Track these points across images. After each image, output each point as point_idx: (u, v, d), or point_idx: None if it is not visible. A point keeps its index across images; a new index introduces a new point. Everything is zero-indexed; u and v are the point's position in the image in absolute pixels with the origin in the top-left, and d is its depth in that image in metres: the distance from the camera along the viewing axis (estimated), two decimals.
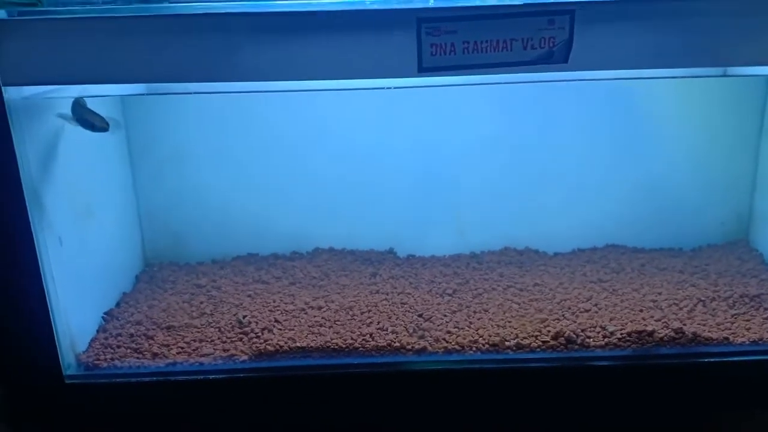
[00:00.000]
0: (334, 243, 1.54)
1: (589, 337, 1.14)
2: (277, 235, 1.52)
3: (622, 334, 1.13)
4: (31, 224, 1.03)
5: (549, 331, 1.15)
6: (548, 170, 1.48)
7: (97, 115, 1.10)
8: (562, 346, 1.13)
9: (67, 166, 1.15)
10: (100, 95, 1.06)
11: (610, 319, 1.18)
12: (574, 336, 1.13)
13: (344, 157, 1.47)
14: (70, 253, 1.14)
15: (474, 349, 1.13)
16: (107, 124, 1.11)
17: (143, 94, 1.27)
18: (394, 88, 1.03)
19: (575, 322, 1.18)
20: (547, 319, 1.19)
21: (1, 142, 0.98)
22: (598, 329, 1.15)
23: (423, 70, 0.97)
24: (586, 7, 0.92)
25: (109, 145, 1.37)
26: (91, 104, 1.13)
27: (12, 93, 0.97)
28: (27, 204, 1.02)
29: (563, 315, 1.21)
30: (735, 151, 1.45)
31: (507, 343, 1.13)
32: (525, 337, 1.14)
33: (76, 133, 1.14)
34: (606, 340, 1.13)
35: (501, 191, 1.49)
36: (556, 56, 0.97)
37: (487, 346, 1.13)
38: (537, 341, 1.13)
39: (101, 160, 1.34)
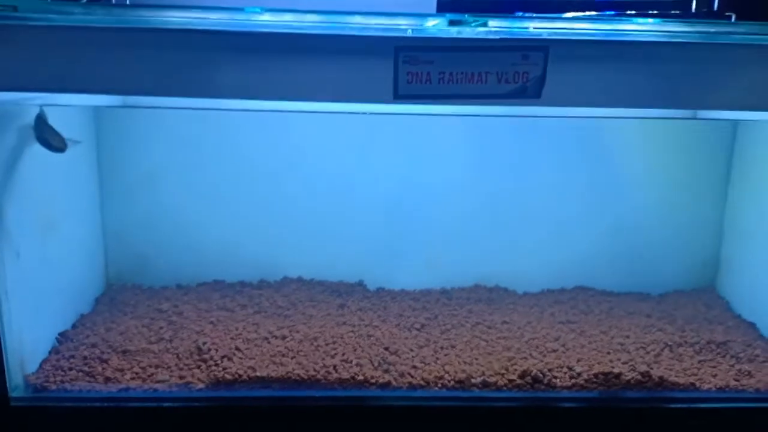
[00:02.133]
0: (303, 273, 1.52)
1: (555, 377, 1.12)
2: (246, 262, 1.49)
3: (588, 375, 1.12)
4: None
5: (516, 370, 1.13)
6: (521, 209, 1.49)
7: (57, 134, 1.08)
8: (528, 386, 1.11)
9: (32, 177, 1.12)
10: (70, 104, 1.04)
11: (578, 360, 1.17)
12: (541, 375, 1.11)
13: (316, 186, 1.46)
14: (28, 269, 1.10)
15: (440, 385, 1.11)
16: (65, 144, 1.08)
17: (117, 107, 1.25)
18: (369, 113, 1.03)
19: (542, 361, 1.17)
20: (514, 358, 1.18)
21: None
22: (565, 369, 1.14)
23: (398, 97, 0.97)
24: (560, 45, 0.93)
25: (78, 160, 1.34)
26: (62, 117, 1.10)
27: None
28: None
29: (530, 354, 1.19)
30: (702, 198, 1.48)
31: (473, 381, 1.11)
32: (491, 375, 1.12)
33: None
34: (573, 381, 1.12)
35: (473, 228, 1.49)
36: (529, 91, 0.98)
37: (453, 382, 1.11)
38: (503, 379, 1.11)
39: (69, 175, 1.30)
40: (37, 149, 1.12)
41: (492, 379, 1.11)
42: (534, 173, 1.47)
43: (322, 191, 1.46)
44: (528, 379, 1.11)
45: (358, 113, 1.04)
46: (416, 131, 1.41)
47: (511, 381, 1.11)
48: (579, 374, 1.12)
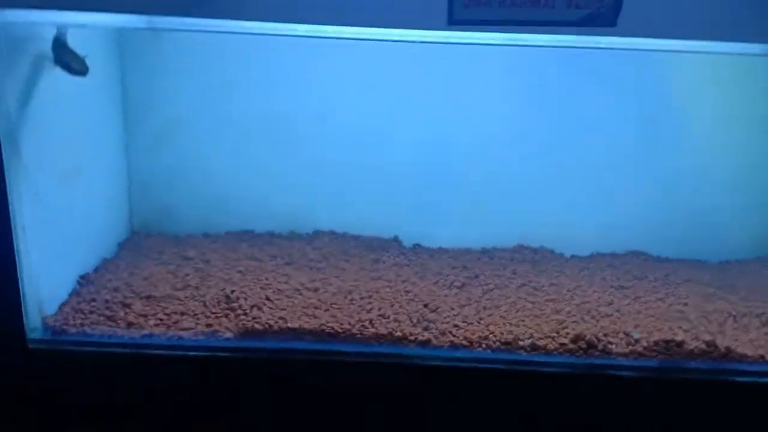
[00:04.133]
0: (335, 226, 1.43)
1: (611, 343, 1.03)
2: (276, 214, 1.41)
3: (648, 342, 1.03)
4: (5, 172, 0.92)
5: (567, 334, 1.04)
6: (569, 165, 1.37)
7: (77, 55, 1.00)
8: (581, 351, 1.02)
9: (52, 113, 1.04)
10: (90, 24, 0.96)
11: (635, 326, 1.08)
12: (595, 340, 1.02)
13: (352, 137, 1.36)
14: (47, 209, 1.03)
15: (484, 345, 1.02)
16: (86, 67, 1.00)
17: (139, 29, 1.16)
18: (417, 42, 0.92)
19: (596, 326, 1.08)
20: (565, 321, 1.08)
21: None
22: (621, 335, 1.05)
23: (453, 22, 0.87)
24: None
25: (102, 98, 1.26)
26: (86, 51, 1.02)
27: None
28: (3, 151, 0.91)
29: (582, 318, 1.10)
30: None
31: (521, 343, 1.02)
32: (541, 338, 1.03)
33: (66, 78, 1.04)
34: (630, 347, 1.02)
35: (517, 184, 1.38)
36: (603, 17, 0.87)
37: (498, 343, 1.02)
38: (554, 343, 1.02)
39: (93, 115, 1.23)
40: (59, 85, 1.04)
41: (541, 342, 1.02)
42: (585, 121, 1.34)
43: (356, 141, 1.37)
44: (581, 343, 1.02)
45: (402, 41, 0.94)
46: (458, 71, 1.29)
47: (562, 345, 1.02)
48: (637, 341, 1.03)
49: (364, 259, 1.31)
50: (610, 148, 1.36)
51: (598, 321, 1.09)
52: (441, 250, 1.38)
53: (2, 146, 0.92)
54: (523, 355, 1.01)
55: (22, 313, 0.97)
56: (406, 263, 1.30)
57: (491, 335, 1.04)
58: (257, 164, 1.38)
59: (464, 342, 1.02)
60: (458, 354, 1.01)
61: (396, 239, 1.41)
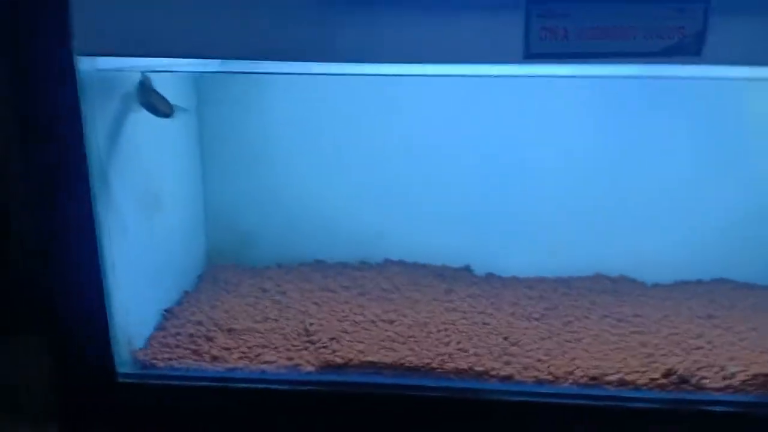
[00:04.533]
0: (404, 255, 1.43)
1: (705, 378, 0.98)
2: (346, 243, 1.42)
3: (745, 375, 0.97)
4: (95, 208, 0.96)
5: (657, 368, 1.00)
6: (647, 188, 1.33)
7: (162, 98, 1.04)
8: (673, 386, 0.97)
9: (137, 149, 1.09)
10: (169, 70, 0.99)
11: (730, 359, 1.02)
12: (688, 375, 0.98)
13: (421, 165, 1.36)
14: (134, 244, 1.07)
15: (570, 381, 0.99)
16: (171, 109, 1.04)
17: (228, 72, 1.20)
18: (495, 76, 0.92)
19: (687, 359, 1.03)
20: (653, 354, 1.04)
21: (71, 116, 0.91)
22: (715, 369, 1.00)
23: (530, 56, 0.86)
24: None
25: (181, 133, 1.31)
26: (163, 89, 1.06)
27: (86, 64, 0.91)
28: (92, 185, 0.95)
29: (672, 351, 1.06)
30: None
31: (608, 378, 0.98)
32: (629, 372, 0.99)
33: (148, 116, 1.08)
34: (726, 382, 0.97)
35: (592, 210, 1.35)
36: (687, 47, 0.85)
37: (585, 378, 0.99)
38: (644, 378, 0.98)
39: (172, 149, 1.27)
40: (141, 122, 1.08)
41: (630, 377, 0.98)
42: (664, 147, 1.31)
43: (425, 167, 1.36)
44: (673, 378, 0.97)
45: (480, 76, 0.94)
46: (533, 99, 1.28)
47: (653, 380, 0.98)
48: (733, 375, 0.98)
49: (436, 289, 1.30)
50: (689, 173, 1.31)
51: (688, 354, 1.05)
52: (515, 280, 1.35)
53: (93, 184, 0.95)
54: (612, 391, 0.98)
55: (111, 348, 1.00)
56: (480, 293, 1.28)
57: (577, 369, 1.00)
58: (328, 193, 1.40)
59: (549, 377, 1.00)
60: (543, 389, 0.98)
61: (467, 268, 1.40)
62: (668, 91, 1.27)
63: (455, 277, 1.36)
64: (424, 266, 1.41)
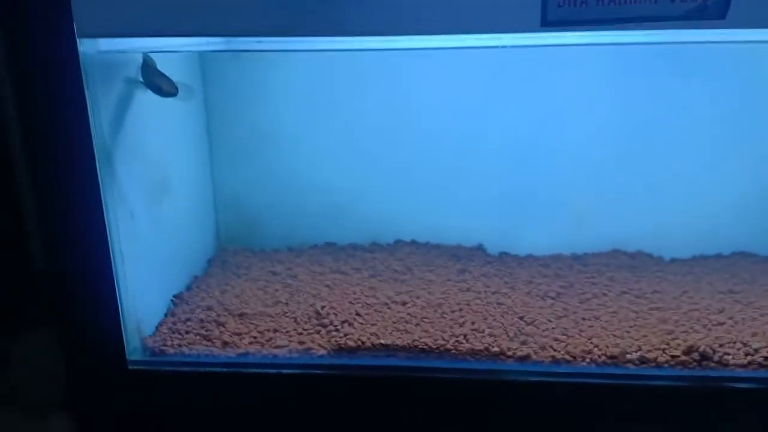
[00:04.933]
0: (416, 236, 1.41)
1: (728, 354, 0.95)
2: (356, 225, 1.40)
3: None
4: (102, 194, 0.94)
5: (678, 345, 0.97)
6: (666, 160, 1.29)
7: (166, 77, 1.01)
8: (695, 363, 0.95)
9: (142, 134, 1.07)
10: (183, 50, 0.97)
11: (752, 335, 0.99)
12: (710, 351, 0.95)
13: (428, 138, 1.33)
14: (142, 229, 1.06)
15: (588, 360, 0.97)
16: (176, 88, 1.01)
17: (230, 51, 1.17)
18: (508, 47, 0.88)
19: (708, 335, 1.00)
20: (674, 331, 1.01)
21: (75, 101, 0.89)
22: (738, 345, 0.97)
23: (547, 23, 0.82)
24: None
25: (187, 116, 1.28)
26: (168, 70, 1.04)
27: (87, 46, 0.88)
28: (99, 171, 0.93)
29: (692, 327, 1.03)
30: None
31: (628, 356, 0.96)
32: (650, 350, 0.97)
33: (152, 99, 1.06)
34: (749, 358, 0.95)
35: (608, 185, 1.32)
36: (711, 10, 0.81)
37: (603, 357, 0.97)
38: (665, 355, 0.95)
39: (178, 132, 1.25)
40: (146, 106, 1.06)
41: (651, 355, 0.96)
42: (684, 118, 1.26)
43: (436, 145, 1.33)
44: (695, 355, 0.95)
45: (495, 47, 0.90)
46: (547, 72, 1.24)
47: (674, 357, 0.95)
48: (756, 350, 0.95)
49: (449, 270, 1.28)
50: (710, 144, 1.27)
51: (710, 330, 1.02)
52: (530, 258, 1.32)
53: (99, 170, 0.93)
54: (632, 369, 0.95)
55: (122, 336, 0.99)
56: (494, 273, 1.25)
57: (595, 349, 0.98)
58: (337, 174, 1.37)
59: (566, 356, 0.97)
60: (561, 369, 0.96)
61: (480, 247, 1.37)
62: (690, 59, 1.22)
63: (469, 257, 1.33)
64: (436, 246, 1.38)
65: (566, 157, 1.31)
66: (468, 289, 1.18)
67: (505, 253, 1.35)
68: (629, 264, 1.28)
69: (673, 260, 1.30)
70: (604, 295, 1.15)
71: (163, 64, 1.02)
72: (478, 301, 1.12)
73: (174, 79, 1.02)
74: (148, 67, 1.00)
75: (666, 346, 0.97)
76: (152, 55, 1.01)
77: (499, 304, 1.11)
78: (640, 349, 0.97)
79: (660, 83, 1.24)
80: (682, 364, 0.95)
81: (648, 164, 1.30)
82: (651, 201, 1.31)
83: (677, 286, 1.18)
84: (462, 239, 1.39)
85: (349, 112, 1.33)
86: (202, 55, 1.29)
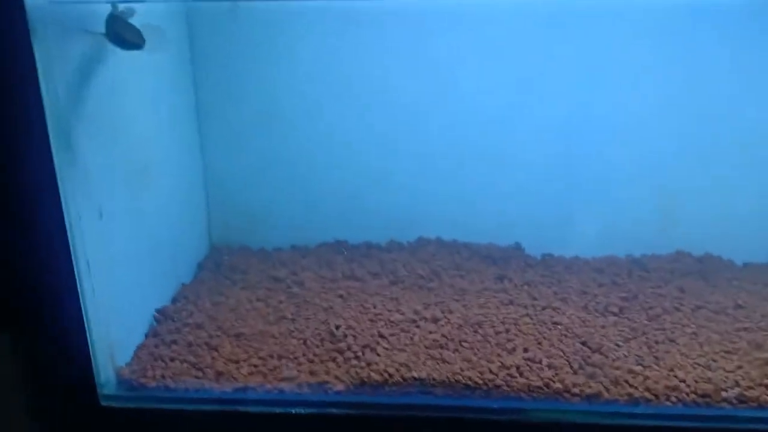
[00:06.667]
0: (442, 232, 1.22)
1: None
2: (371, 219, 1.21)
3: None
4: (60, 185, 0.75)
5: None
6: (731, 142, 1.10)
7: (131, 26, 0.79)
8: None
9: (114, 107, 0.86)
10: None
11: None
12: None
13: (460, 121, 1.14)
14: (114, 230, 0.85)
15: (674, 399, 0.78)
16: (142, 39, 0.79)
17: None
18: None
19: None
20: None
21: (19, 62, 0.69)
22: None
23: None
24: None
25: (171, 86, 1.07)
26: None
27: None
28: (54, 155, 0.73)
29: None
30: None
31: (724, 394, 0.77)
32: (750, 386, 0.78)
33: (128, 64, 0.85)
34: None
35: (668, 174, 1.13)
36: None
37: (693, 396, 0.78)
38: None
39: (162, 105, 1.04)
40: (119, 71, 0.85)
41: (753, 393, 0.77)
42: (751, 98, 1.07)
43: (464, 128, 1.14)
44: None
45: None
46: (592, 46, 1.05)
47: None
48: None
49: (484, 275, 1.09)
50: None
51: None
52: (578, 261, 1.14)
53: (55, 158, 0.73)
54: (729, 410, 0.76)
55: (91, 365, 0.80)
56: (540, 280, 1.07)
57: (682, 384, 0.79)
58: (351, 160, 1.18)
59: (646, 394, 0.78)
60: (640, 410, 0.77)
61: (518, 246, 1.18)
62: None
63: (505, 259, 1.15)
64: (465, 246, 1.20)
65: (615, 143, 1.12)
66: (511, 302, 0.99)
67: (549, 255, 1.16)
68: (698, 269, 1.09)
69: (746, 265, 1.12)
70: (677, 310, 0.97)
71: (138, 19, 0.81)
72: (527, 319, 0.93)
73: (140, 22, 0.81)
74: (116, 19, 0.79)
75: None
76: (123, 4, 0.80)
77: (554, 323, 0.92)
78: (737, 385, 0.78)
79: (736, 55, 1.04)
80: None
81: (713, 147, 1.11)
82: (721, 195, 1.13)
83: (761, 298, 0.99)
84: (495, 237, 1.20)
85: (365, 85, 1.13)
86: (189, 11, 1.07)
